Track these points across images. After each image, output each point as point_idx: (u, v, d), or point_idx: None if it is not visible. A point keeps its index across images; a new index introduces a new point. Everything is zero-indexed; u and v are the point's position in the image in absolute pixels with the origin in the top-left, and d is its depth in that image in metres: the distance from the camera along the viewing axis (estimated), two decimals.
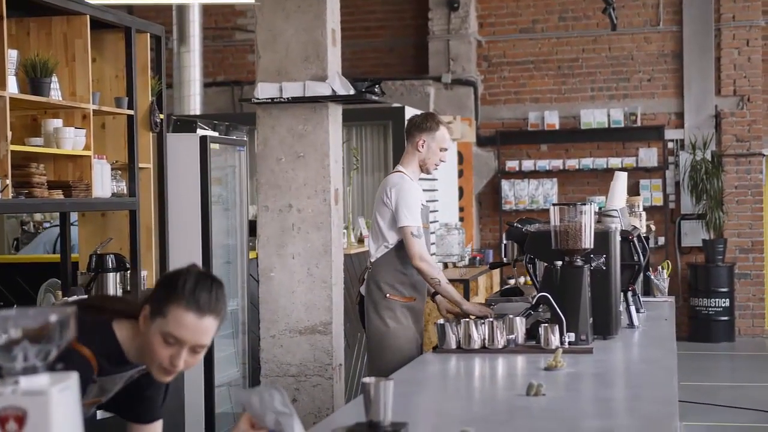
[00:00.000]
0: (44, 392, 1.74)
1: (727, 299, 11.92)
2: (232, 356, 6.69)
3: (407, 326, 5.05)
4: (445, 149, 5.19)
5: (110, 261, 5.43)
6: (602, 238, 4.47)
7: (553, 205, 4.39)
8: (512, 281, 9.52)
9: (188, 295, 2.50)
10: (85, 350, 2.56)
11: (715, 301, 11.90)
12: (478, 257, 10.54)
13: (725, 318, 11.92)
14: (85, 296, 5.16)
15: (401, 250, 5.05)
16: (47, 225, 8.27)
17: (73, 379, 1.82)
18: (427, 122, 5.18)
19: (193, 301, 2.50)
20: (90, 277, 5.41)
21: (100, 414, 4.68)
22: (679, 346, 11.02)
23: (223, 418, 6.44)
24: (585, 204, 4.37)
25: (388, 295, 5.05)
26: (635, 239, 4.97)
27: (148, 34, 5.89)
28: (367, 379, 2.63)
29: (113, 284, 5.46)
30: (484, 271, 9.71)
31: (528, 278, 5.37)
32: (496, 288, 10.03)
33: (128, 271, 5.62)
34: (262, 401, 2.38)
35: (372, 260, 5.14)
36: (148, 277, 5.88)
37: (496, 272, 10.44)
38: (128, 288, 5.64)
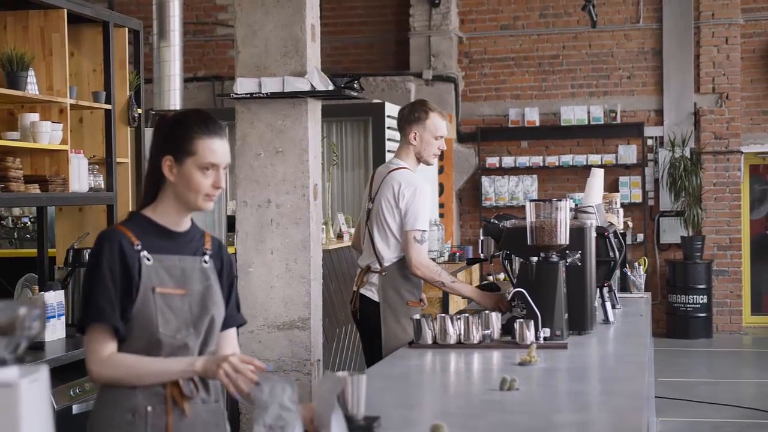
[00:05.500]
0: (13, 384, 1.75)
1: (705, 296, 11.99)
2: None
3: None
4: (441, 137, 4.99)
5: (87, 256, 5.42)
6: (578, 234, 4.49)
7: (530, 201, 4.41)
8: (491, 277, 9.54)
9: (204, 127, 2.85)
10: (118, 227, 2.86)
11: (693, 298, 11.97)
12: (458, 253, 10.56)
13: (703, 314, 12.00)
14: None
15: None
16: (26, 220, 8.21)
17: (42, 371, 1.83)
18: (415, 113, 4.97)
19: (212, 130, 2.86)
20: (67, 271, 5.39)
21: (76, 408, 4.69)
22: (657, 342, 11.18)
23: None
24: (561, 200, 4.39)
25: (409, 302, 4.92)
26: (611, 235, 5.00)
27: (127, 28, 5.88)
28: (340, 374, 2.64)
29: None
30: (463, 267, 9.72)
31: (505, 274, 5.38)
32: (476, 284, 10.03)
33: None
34: (272, 391, 2.38)
35: (385, 264, 4.92)
36: None
37: (476, 268, 10.47)
38: None
